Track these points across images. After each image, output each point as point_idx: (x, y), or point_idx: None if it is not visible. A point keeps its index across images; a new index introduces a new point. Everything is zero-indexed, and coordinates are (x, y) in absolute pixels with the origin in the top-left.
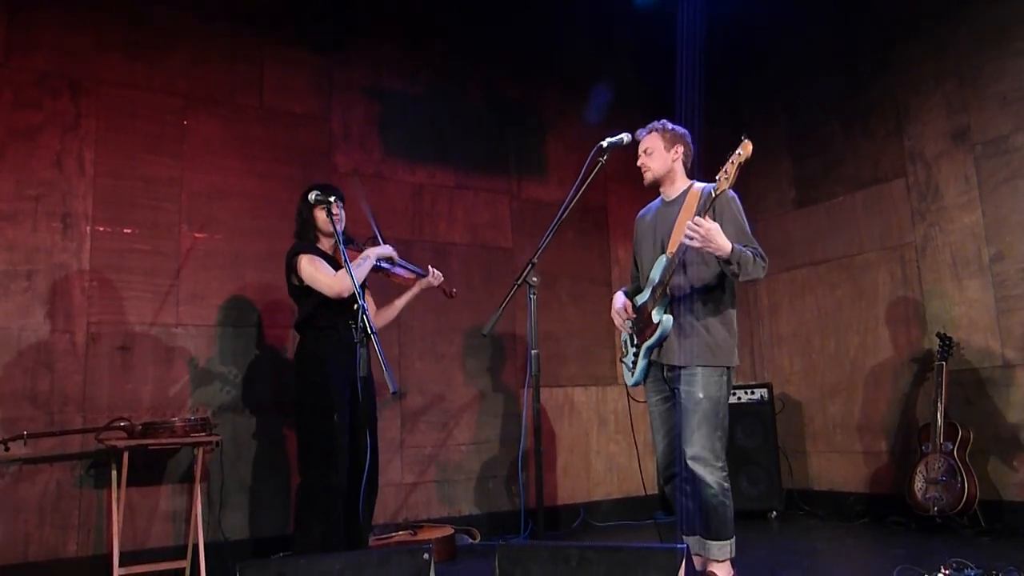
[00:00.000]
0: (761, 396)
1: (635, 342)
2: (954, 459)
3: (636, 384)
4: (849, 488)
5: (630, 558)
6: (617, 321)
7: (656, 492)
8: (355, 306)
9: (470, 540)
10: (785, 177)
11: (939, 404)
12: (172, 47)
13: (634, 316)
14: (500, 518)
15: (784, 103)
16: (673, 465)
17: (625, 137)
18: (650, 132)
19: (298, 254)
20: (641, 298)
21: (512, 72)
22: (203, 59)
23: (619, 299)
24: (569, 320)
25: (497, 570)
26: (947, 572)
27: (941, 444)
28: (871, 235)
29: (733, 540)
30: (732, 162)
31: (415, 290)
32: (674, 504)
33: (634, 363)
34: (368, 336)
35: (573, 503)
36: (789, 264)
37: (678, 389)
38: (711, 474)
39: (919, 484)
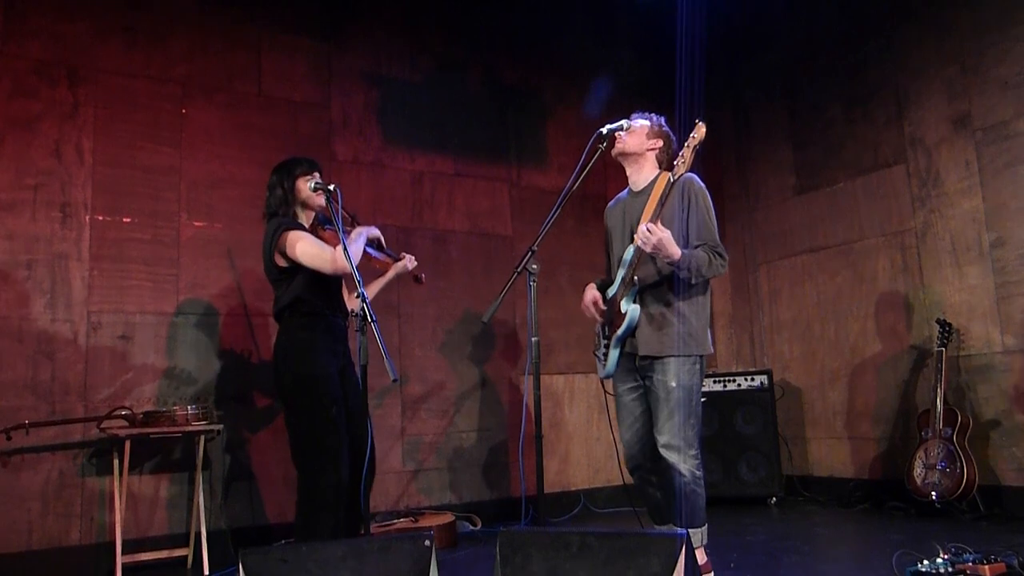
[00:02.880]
0: (761, 382)
1: (606, 333)
2: (953, 445)
3: (608, 375)
4: (849, 474)
5: (631, 544)
6: (588, 314)
7: None
8: (355, 294)
9: (471, 527)
10: (785, 163)
11: (938, 390)
12: (170, 34)
13: (604, 308)
14: (501, 505)
15: (785, 88)
16: (639, 456)
17: (625, 123)
18: (644, 117)
19: (285, 230)
20: (612, 289)
21: (512, 58)
22: (201, 46)
23: (589, 293)
24: (569, 307)
25: (498, 556)
26: (946, 557)
27: (940, 430)
28: (871, 221)
29: (705, 528)
30: (688, 146)
31: (390, 274)
32: (639, 494)
33: (605, 354)
34: (368, 323)
35: (574, 489)
36: (789, 251)
37: (650, 378)
38: (684, 462)
39: (918, 470)
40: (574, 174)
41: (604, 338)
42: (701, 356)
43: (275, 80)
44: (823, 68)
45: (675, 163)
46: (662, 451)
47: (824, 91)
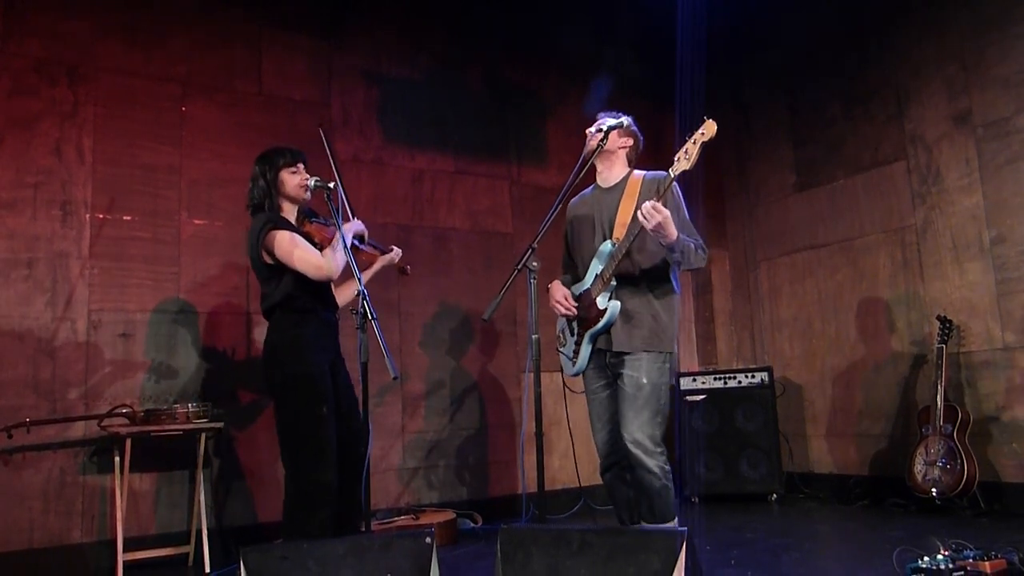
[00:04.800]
0: (761, 380)
1: (575, 330)
2: (954, 441)
3: (579, 372)
4: (849, 471)
5: (632, 541)
6: (559, 309)
7: None
8: (356, 292)
9: (472, 524)
10: (786, 161)
11: (939, 387)
12: (170, 33)
13: (575, 304)
14: (501, 502)
15: (785, 85)
16: (613, 454)
17: (624, 120)
18: (613, 116)
19: (272, 228)
20: (582, 285)
21: (512, 57)
22: (201, 45)
23: (559, 289)
24: None
25: (499, 553)
26: (946, 553)
27: (941, 426)
28: (872, 218)
29: (676, 522)
30: (694, 141)
31: (376, 267)
32: (611, 493)
33: (575, 352)
34: (368, 320)
35: (575, 487)
36: (790, 248)
37: (620, 375)
38: (651, 458)
39: (919, 466)
40: (574, 171)
41: (573, 334)
42: (670, 354)
43: (275, 79)
44: (823, 66)
45: (677, 157)
46: (629, 447)
47: (824, 89)
